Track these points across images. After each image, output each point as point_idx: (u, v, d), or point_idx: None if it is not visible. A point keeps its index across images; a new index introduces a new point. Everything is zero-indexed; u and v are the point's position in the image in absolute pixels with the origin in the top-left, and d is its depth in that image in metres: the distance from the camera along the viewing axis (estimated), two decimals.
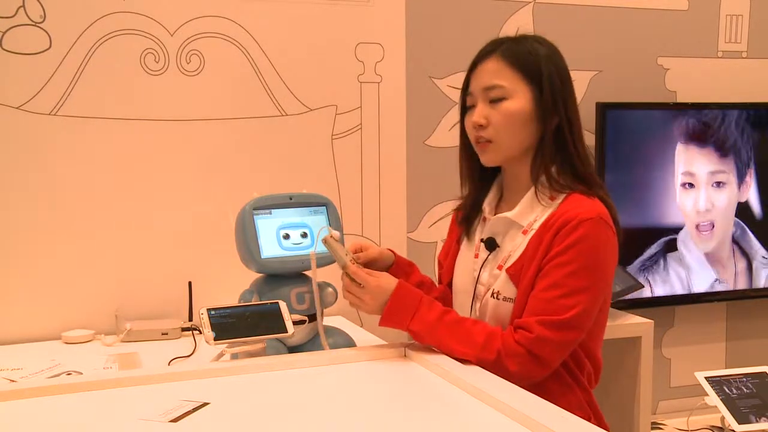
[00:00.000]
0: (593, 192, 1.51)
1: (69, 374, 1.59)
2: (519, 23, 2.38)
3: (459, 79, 2.36)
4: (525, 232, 1.52)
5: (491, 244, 1.57)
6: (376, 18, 2.24)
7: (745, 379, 1.77)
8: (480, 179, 1.65)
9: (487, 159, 1.56)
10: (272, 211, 1.65)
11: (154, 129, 2.07)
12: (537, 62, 1.51)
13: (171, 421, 1.19)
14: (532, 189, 1.53)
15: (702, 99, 2.55)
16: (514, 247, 1.53)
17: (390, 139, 2.28)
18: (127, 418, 1.21)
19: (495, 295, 1.53)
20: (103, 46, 2.01)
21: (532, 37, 1.57)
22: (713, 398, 1.72)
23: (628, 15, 2.49)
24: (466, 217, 1.66)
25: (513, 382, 1.34)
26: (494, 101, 1.51)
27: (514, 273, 1.50)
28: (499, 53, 1.53)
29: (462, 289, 1.64)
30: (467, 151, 1.62)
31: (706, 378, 1.76)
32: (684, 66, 2.58)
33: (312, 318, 1.62)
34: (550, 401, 1.23)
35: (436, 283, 1.79)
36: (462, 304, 1.63)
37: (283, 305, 1.52)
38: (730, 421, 1.67)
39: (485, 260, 1.58)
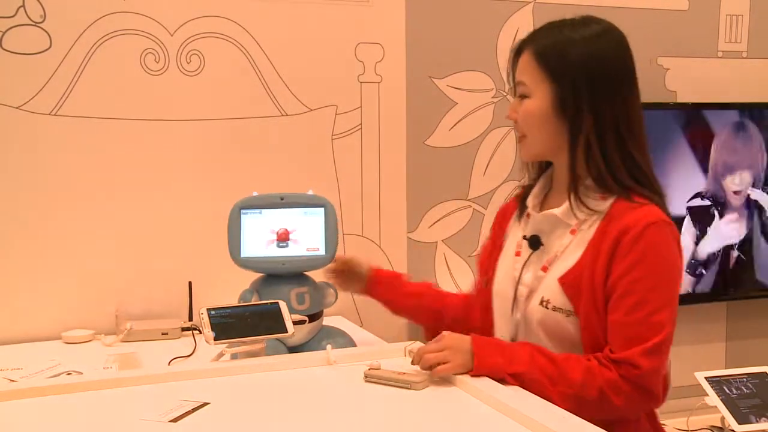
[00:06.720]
0: (644, 196, 1.40)
1: (69, 374, 1.59)
2: (519, 23, 2.38)
3: (459, 79, 2.39)
4: (573, 232, 1.43)
5: (535, 242, 1.47)
6: (376, 18, 2.24)
7: (745, 379, 1.76)
8: (539, 170, 1.56)
9: (521, 154, 1.52)
10: (262, 211, 1.65)
11: (154, 129, 2.06)
12: (563, 57, 1.42)
13: (171, 421, 1.19)
14: (573, 187, 1.43)
15: (702, 99, 2.55)
16: (561, 247, 1.43)
17: (390, 139, 2.28)
18: (127, 418, 1.21)
19: (544, 304, 1.42)
20: (103, 46, 2.01)
21: (579, 21, 1.47)
22: (713, 398, 1.71)
23: (628, 15, 2.49)
24: (521, 211, 1.56)
25: (619, 415, 1.33)
26: (521, 97, 1.47)
27: (569, 284, 1.39)
28: (531, 46, 1.46)
29: (502, 292, 1.53)
30: None
31: (706, 378, 1.75)
32: (684, 66, 2.58)
33: (312, 318, 1.62)
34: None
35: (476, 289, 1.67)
36: (502, 309, 1.53)
37: (283, 305, 1.52)
38: (730, 421, 1.67)
39: (527, 260, 1.48)
